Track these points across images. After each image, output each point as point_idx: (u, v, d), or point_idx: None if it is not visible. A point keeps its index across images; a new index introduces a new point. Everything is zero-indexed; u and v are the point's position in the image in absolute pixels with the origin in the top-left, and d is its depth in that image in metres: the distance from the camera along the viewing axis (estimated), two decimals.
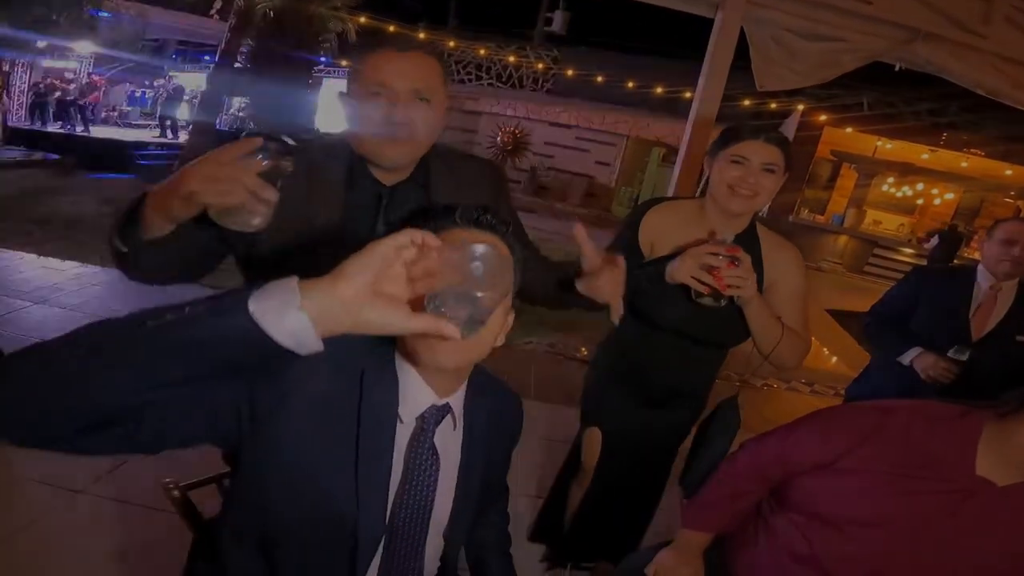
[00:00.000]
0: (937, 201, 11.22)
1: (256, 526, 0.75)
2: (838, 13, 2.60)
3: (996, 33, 2.59)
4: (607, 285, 1.04)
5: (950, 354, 1.89)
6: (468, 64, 13.42)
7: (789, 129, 10.66)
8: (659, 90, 10.33)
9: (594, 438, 1.60)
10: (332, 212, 1.00)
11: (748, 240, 1.38)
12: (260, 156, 0.73)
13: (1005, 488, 0.99)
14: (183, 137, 10.67)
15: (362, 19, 10.00)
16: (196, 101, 10.85)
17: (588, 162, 11.90)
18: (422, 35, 10.62)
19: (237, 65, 9.39)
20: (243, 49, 9.43)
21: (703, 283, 1.23)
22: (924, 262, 8.82)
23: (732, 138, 1.32)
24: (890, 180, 11.19)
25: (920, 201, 11.38)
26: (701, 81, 2.70)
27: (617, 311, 1.06)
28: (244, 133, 0.78)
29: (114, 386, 0.52)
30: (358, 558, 0.76)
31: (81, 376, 0.52)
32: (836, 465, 1.11)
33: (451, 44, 11.88)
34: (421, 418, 0.78)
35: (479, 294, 0.62)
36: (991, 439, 1.01)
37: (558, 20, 13.52)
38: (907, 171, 10.85)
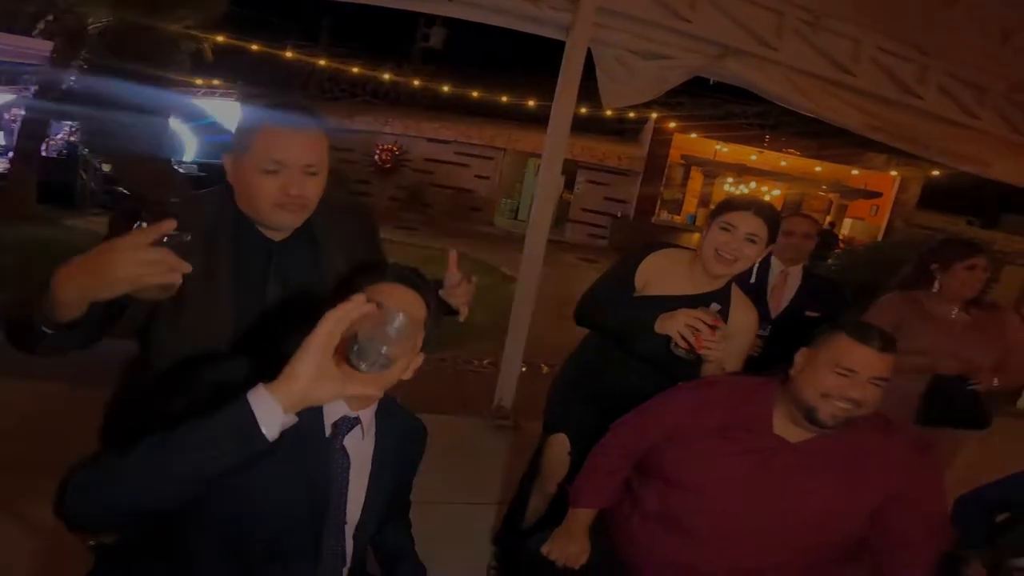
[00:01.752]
0: (767, 197, 12.73)
1: (229, 533, 0.86)
2: (667, 32, 2.88)
3: (787, 46, 2.99)
4: (462, 296, 1.23)
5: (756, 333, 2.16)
6: (342, 82, 13.08)
7: (646, 136, 11.74)
8: (531, 103, 10.79)
9: (557, 444, 1.68)
10: (223, 267, 1.04)
11: (723, 297, 1.54)
12: (165, 240, 0.80)
13: (797, 444, 1.19)
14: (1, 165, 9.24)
15: (219, 38, 9.35)
16: (15, 126, 9.45)
17: (468, 176, 12.03)
18: (289, 54, 10.17)
19: (66, 87, 8.35)
20: (72, 71, 8.39)
21: (685, 340, 1.38)
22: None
23: (725, 208, 1.48)
24: (729, 180, 12.55)
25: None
26: (556, 96, 2.89)
27: (464, 315, 1.25)
28: (117, 210, 0.91)
29: (158, 492, 0.73)
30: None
31: (137, 490, 0.73)
32: (679, 435, 1.27)
33: (321, 63, 11.52)
34: (335, 425, 0.94)
35: (391, 349, 0.78)
36: (779, 402, 1.22)
37: (436, 36, 13.56)
38: (742, 171, 12.23)
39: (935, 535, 1.19)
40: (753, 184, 12.57)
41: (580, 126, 11.06)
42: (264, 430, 0.71)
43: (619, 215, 11.53)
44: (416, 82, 12.46)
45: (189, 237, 0.83)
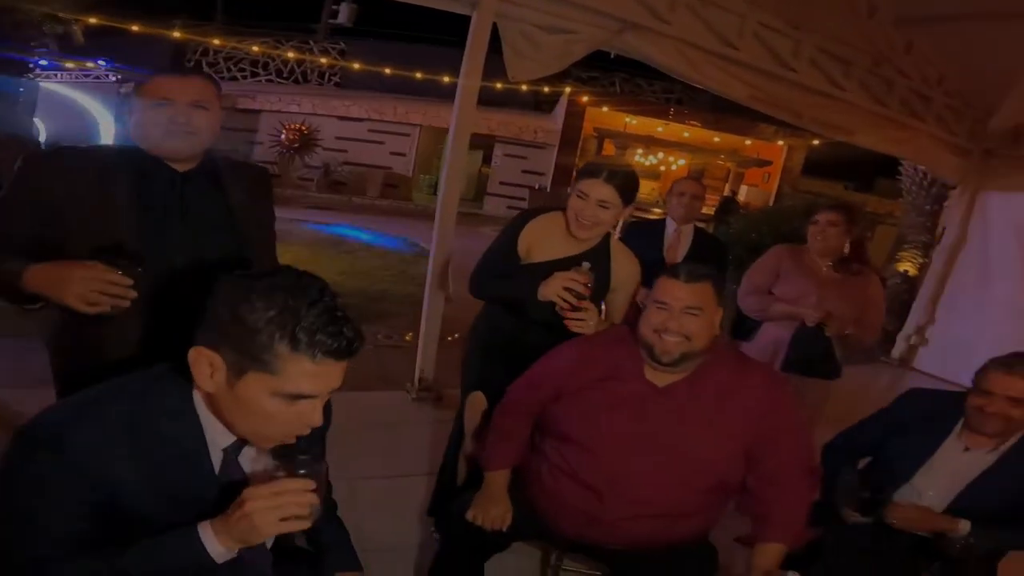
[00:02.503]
0: (674, 167, 13.38)
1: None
2: (570, 7, 2.91)
3: (679, 20, 3.11)
4: None
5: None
6: (241, 61, 12.17)
7: (560, 110, 11.93)
8: (446, 79, 10.50)
9: (476, 401, 1.72)
10: (124, 194, 1.14)
11: (601, 253, 1.63)
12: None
13: (665, 388, 1.29)
14: None
15: (92, 19, 8.36)
16: None
17: (384, 154, 11.69)
18: (177, 34, 9.30)
19: None
20: None
21: (565, 302, 1.45)
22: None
23: (580, 175, 1.57)
24: (639, 151, 13.08)
25: (662, 168, 13.53)
26: (462, 70, 2.87)
27: None
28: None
29: None
30: None
31: None
32: (565, 391, 1.35)
33: (216, 42, 10.66)
34: (225, 451, 0.86)
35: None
36: (645, 354, 1.29)
37: (344, 13, 12.86)
38: (650, 142, 12.78)
39: (805, 475, 1.27)
40: (660, 154, 13.17)
41: (497, 101, 11.19)
42: (216, 560, 0.77)
43: (536, 187, 11.70)
44: (324, 60, 11.86)
45: (140, 268, 1.06)
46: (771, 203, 11.83)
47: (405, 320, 4.08)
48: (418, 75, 10.32)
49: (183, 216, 1.19)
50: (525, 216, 1.69)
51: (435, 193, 12.23)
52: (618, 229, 1.72)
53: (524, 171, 11.91)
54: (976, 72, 4.10)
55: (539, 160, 11.89)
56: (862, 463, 1.67)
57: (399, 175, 11.87)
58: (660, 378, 1.30)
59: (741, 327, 2.42)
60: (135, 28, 8.30)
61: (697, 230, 2.56)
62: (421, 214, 10.14)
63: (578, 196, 1.54)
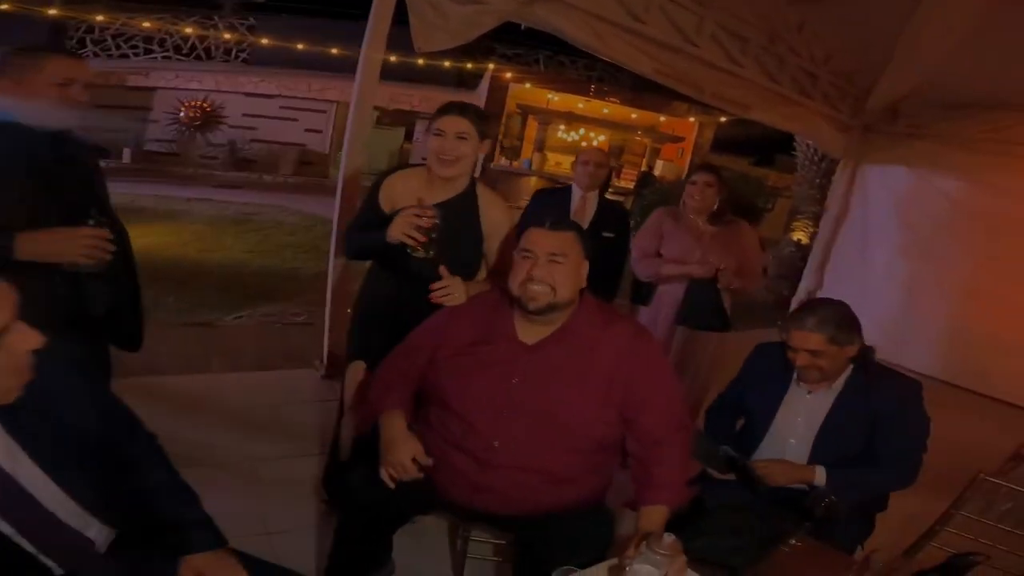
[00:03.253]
0: (595, 143, 13.65)
1: None
2: None
3: None
4: None
5: None
6: (133, 38, 11.12)
7: (483, 87, 11.76)
8: None
9: (355, 371, 1.68)
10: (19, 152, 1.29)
11: (467, 199, 1.61)
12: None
13: (534, 346, 1.30)
14: None
15: None
16: None
17: (298, 131, 11.08)
18: (54, 11, 8.28)
19: None
20: None
21: (413, 239, 1.45)
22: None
23: (434, 116, 1.57)
24: (561, 127, 13.16)
25: (584, 144, 13.71)
26: (365, 42, 2.73)
27: None
28: None
29: None
30: None
31: None
32: (438, 356, 1.33)
33: (99, 18, 9.67)
34: None
35: None
36: (516, 313, 1.31)
37: None
38: (571, 119, 12.90)
39: (678, 433, 1.29)
40: (582, 130, 13.33)
41: (419, 78, 10.84)
42: None
43: None
44: (227, 36, 11.00)
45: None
46: (684, 176, 12.33)
47: (319, 296, 3.92)
48: (334, 51, 9.81)
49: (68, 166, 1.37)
50: (384, 173, 1.69)
51: None
52: (478, 168, 1.71)
53: None
54: (858, 51, 4.40)
55: None
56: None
57: (315, 152, 11.32)
58: (530, 335, 1.30)
59: (638, 292, 2.50)
60: (5, 7, 7.31)
61: (601, 197, 2.63)
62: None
63: (436, 135, 1.55)
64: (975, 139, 4.49)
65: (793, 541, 1.23)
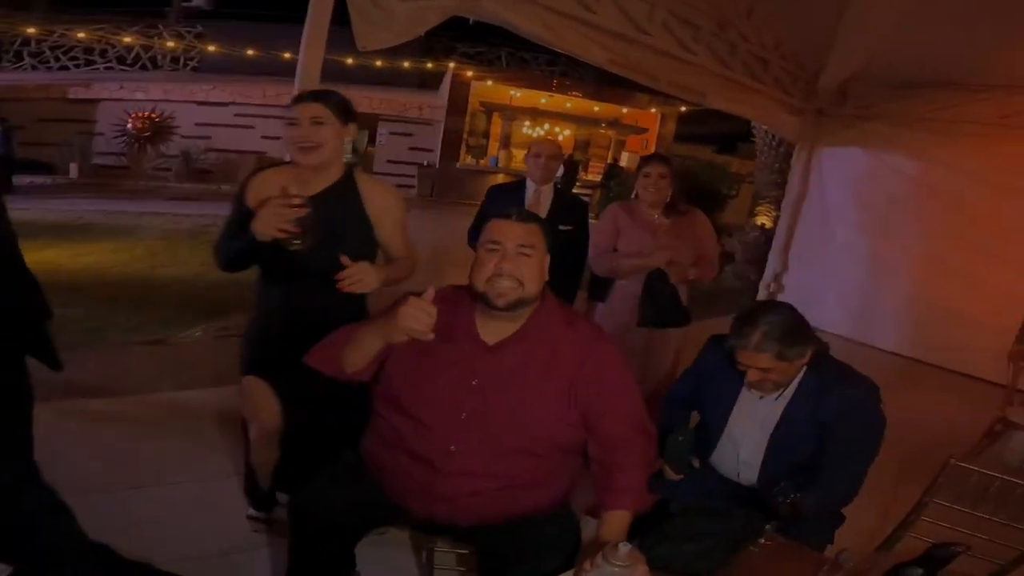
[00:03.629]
0: (560, 137, 13.63)
1: None
2: None
3: None
4: None
5: None
6: (72, 49, 10.71)
7: (445, 86, 11.64)
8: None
9: (249, 386, 1.58)
10: None
11: (345, 188, 1.51)
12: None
13: (494, 346, 1.22)
14: None
15: None
16: None
17: (254, 138, 10.74)
18: None
19: None
20: None
21: (284, 232, 1.35)
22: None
23: (287, 106, 1.49)
24: (526, 123, 13.09)
25: (549, 139, 13.68)
26: (303, 43, 2.61)
27: None
28: None
29: None
30: None
31: None
32: (394, 356, 1.24)
33: (30, 31, 9.33)
34: None
35: None
36: (478, 311, 1.23)
37: None
38: (535, 114, 12.84)
39: (639, 436, 1.23)
40: (547, 125, 13.29)
41: (379, 79, 10.63)
42: None
43: (425, 164, 11.42)
44: (171, 44, 10.68)
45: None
46: (636, 168, 12.40)
47: None
48: (287, 55, 9.57)
49: None
50: (250, 174, 1.59)
51: None
52: (345, 149, 1.57)
53: (411, 148, 11.57)
54: (805, 34, 4.44)
55: (426, 137, 11.61)
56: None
57: (275, 159, 10.98)
58: (491, 334, 1.23)
59: (596, 288, 2.45)
60: None
61: (556, 190, 2.55)
62: None
63: (290, 124, 1.47)
64: (922, 118, 4.58)
65: (762, 541, 1.18)
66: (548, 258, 1.26)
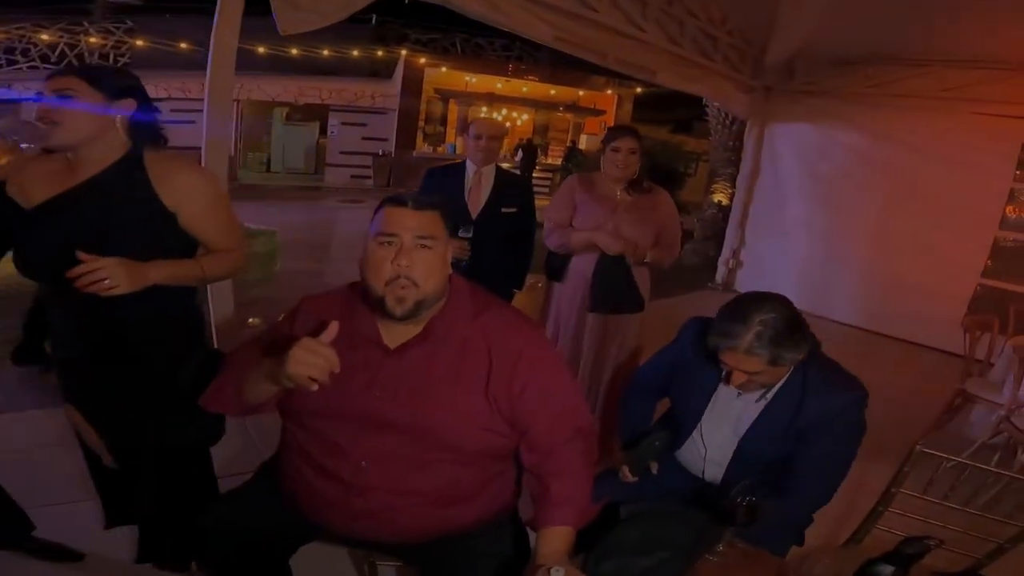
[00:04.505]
0: (519, 122, 13.43)
1: None
2: None
3: None
4: None
5: (460, 234, 2.14)
6: None
7: (399, 74, 11.26)
8: (261, 50, 9.36)
9: (67, 414, 1.42)
10: None
11: (124, 170, 1.24)
12: None
13: (397, 350, 1.08)
14: None
15: None
16: None
17: (195, 134, 10.17)
18: None
19: None
20: None
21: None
22: (517, 172, 10.89)
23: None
24: (483, 109, 12.84)
25: (508, 124, 13.47)
26: (214, 31, 2.38)
27: None
28: None
29: None
30: None
31: None
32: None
33: None
34: None
35: None
36: (379, 312, 1.06)
37: None
38: (492, 100, 12.60)
39: (577, 439, 1.09)
40: (504, 110, 13.08)
41: (327, 69, 10.19)
42: None
43: (380, 153, 11.10)
44: (93, 40, 10.00)
45: None
46: (602, 141, 12.36)
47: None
48: None
49: None
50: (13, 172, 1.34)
51: (269, 169, 11.16)
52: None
53: (365, 138, 11.19)
54: (749, 10, 4.39)
55: (380, 126, 11.26)
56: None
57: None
58: (393, 337, 1.08)
59: (553, 269, 2.32)
60: None
61: (499, 170, 2.38)
62: (249, 193, 9.14)
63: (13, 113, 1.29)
64: (866, 93, 4.63)
65: (720, 548, 1.09)
66: (450, 247, 1.10)
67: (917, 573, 1.27)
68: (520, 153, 11.12)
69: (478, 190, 2.31)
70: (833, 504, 1.39)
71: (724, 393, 1.35)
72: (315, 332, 1.01)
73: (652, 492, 1.38)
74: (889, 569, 1.26)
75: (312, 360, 0.91)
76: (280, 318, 1.24)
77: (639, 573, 0.98)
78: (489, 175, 2.34)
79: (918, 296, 4.51)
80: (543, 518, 1.03)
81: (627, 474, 1.36)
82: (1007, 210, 4.41)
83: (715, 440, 1.37)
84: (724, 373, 1.28)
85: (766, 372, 1.20)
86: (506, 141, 13.18)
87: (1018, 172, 4.30)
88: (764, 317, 1.17)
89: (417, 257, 1.02)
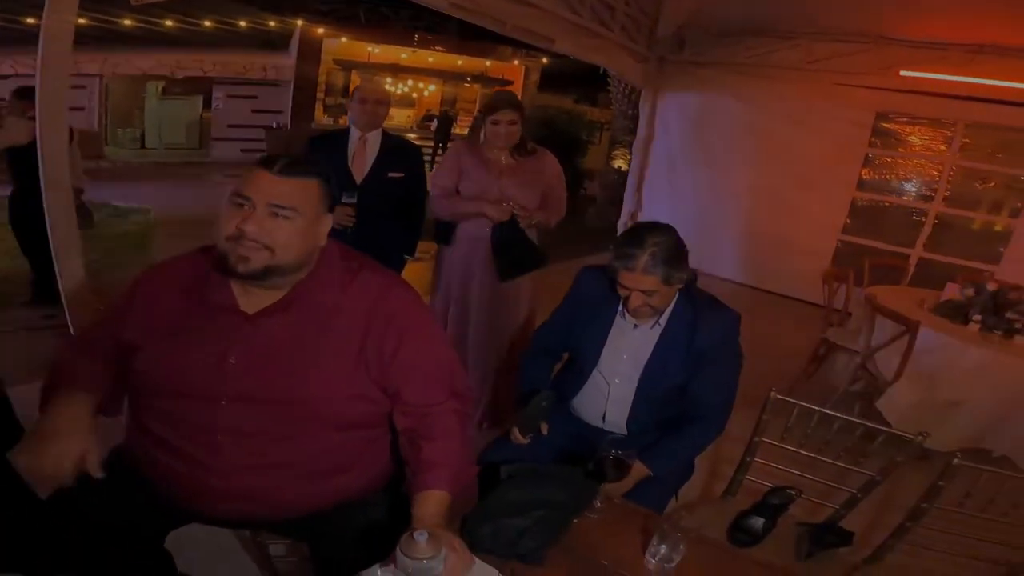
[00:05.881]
0: (426, 93, 12.96)
1: None
2: None
3: None
4: None
5: (344, 200, 2.10)
6: None
7: (295, 45, 10.42)
8: (127, 22, 8.23)
9: None
10: None
11: None
12: None
13: (254, 316, 0.99)
14: None
15: None
16: None
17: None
18: None
19: None
20: None
21: None
22: (430, 143, 10.65)
23: None
24: (388, 80, 12.26)
25: (415, 95, 12.98)
26: (47, 5, 2.01)
27: None
28: None
29: None
30: None
31: None
32: (143, 336, 0.98)
33: None
34: None
35: None
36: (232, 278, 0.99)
37: None
38: (397, 70, 12.05)
39: (449, 399, 1.04)
40: (410, 82, 12.57)
41: (210, 42, 9.18)
42: None
43: (275, 125, 10.36)
44: None
45: None
46: (481, 111, 12.30)
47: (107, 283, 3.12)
48: (82, 20, 7.86)
49: None
50: None
51: (144, 146, 10.10)
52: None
53: (256, 111, 10.37)
54: None
55: (273, 98, 10.48)
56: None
57: (83, 132, 9.33)
58: (250, 303, 0.99)
59: (441, 233, 2.27)
60: None
61: (386, 136, 2.29)
62: (120, 171, 8.29)
63: None
64: (744, 64, 4.88)
65: (598, 505, 1.09)
66: (329, 220, 1.01)
67: (784, 524, 1.38)
68: (436, 123, 10.95)
69: (362, 155, 2.23)
70: (712, 460, 1.46)
71: (621, 327, 1.41)
72: (155, 309, 0.94)
73: (545, 453, 1.38)
74: (760, 522, 1.34)
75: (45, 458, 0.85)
76: (117, 298, 1.08)
77: (515, 534, 0.95)
78: (375, 140, 2.26)
79: (789, 252, 4.92)
80: (416, 483, 0.98)
81: (518, 436, 1.35)
82: (863, 173, 4.89)
83: (617, 375, 1.41)
84: (621, 306, 1.37)
85: (659, 292, 1.30)
86: (413, 113, 12.81)
87: (873, 139, 4.76)
88: (657, 239, 1.28)
89: (270, 225, 0.92)
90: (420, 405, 1.02)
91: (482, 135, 2.13)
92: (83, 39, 8.69)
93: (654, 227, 1.32)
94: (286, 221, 0.93)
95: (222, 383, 0.95)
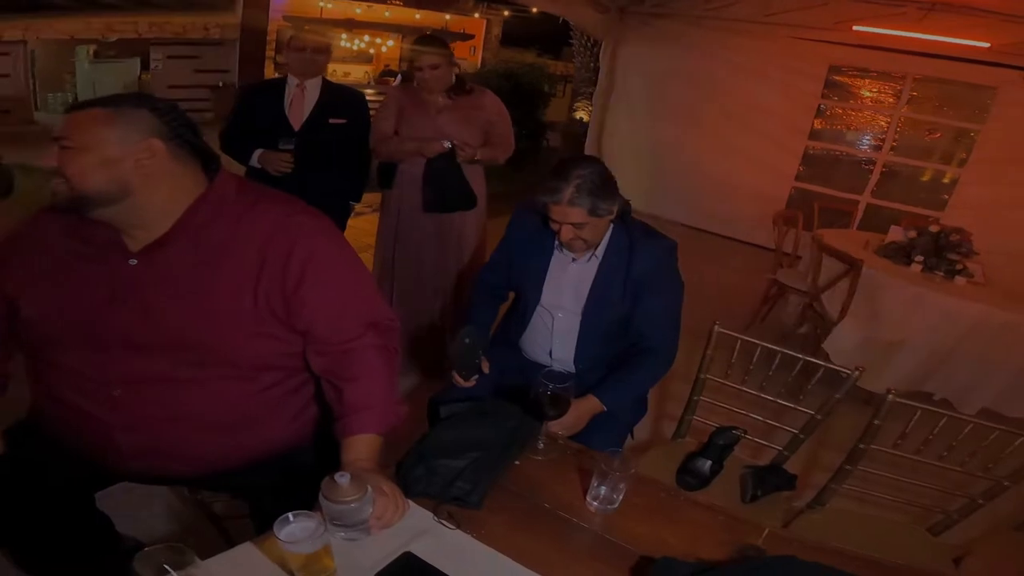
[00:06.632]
0: (384, 48, 12.38)
1: None
2: None
3: None
4: None
5: (280, 146, 2.12)
6: None
7: (239, 3, 9.73)
8: None
9: None
10: None
11: None
12: None
13: (138, 253, 0.93)
14: None
15: None
16: None
17: None
18: None
19: None
20: None
21: None
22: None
23: None
24: (344, 36, 11.64)
25: (372, 51, 12.39)
26: None
27: None
28: None
29: None
30: None
31: None
32: (18, 276, 0.93)
33: None
34: None
35: None
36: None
37: None
38: (352, 26, 11.43)
39: (373, 336, 0.99)
40: (367, 37, 11.98)
41: (144, 3, 8.48)
42: None
43: (221, 84, 9.81)
44: None
45: None
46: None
47: None
48: None
49: None
50: None
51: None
52: None
53: (198, 71, 9.80)
54: None
55: (217, 58, 9.90)
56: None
57: (11, 98, 8.66)
58: (136, 240, 0.93)
59: (383, 176, 2.26)
60: None
61: (326, 83, 2.25)
62: (50, 134, 7.78)
63: None
64: (702, 16, 4.81)
65: (542, 445, 1.09)
66: (148, 148, 0.90)
67: (731, 465, 1.40)
68: (399, 79, 10.60)
69: (300, 102, 2.19)
70: (654, 399, 1.45)
71: (560, 261, 1.42)
72: (35, 253, 0.91)
73: (494, 392, 1.36)
74: (707, 464, 1.36)
75: None
76: None
77: (450, 475, 0.92)
78: (314, 87, 2.21)
79: (746, 198, 4.98)
80: (342, 428, 0.94)
81: (459, 380, 1.32)
82: (815, 123, 4.93)
83: (559, 309, 1.41)
84: (557, 240, 1.37)
85: (589, 225, 1.29)
86: (371, 68, 12.27)
87: (825, 90, 4.78)
88: (581, 172, 1.26)
89: (61, 159, 0.88)
90: (334, 343, 0.96)
91: (421, 85, 2.11)
92: (4, 7, 8.07)
93: (579, 160, 1.31)
94: (71, 151, 0.88)
95: (114, 330, 0.89)
